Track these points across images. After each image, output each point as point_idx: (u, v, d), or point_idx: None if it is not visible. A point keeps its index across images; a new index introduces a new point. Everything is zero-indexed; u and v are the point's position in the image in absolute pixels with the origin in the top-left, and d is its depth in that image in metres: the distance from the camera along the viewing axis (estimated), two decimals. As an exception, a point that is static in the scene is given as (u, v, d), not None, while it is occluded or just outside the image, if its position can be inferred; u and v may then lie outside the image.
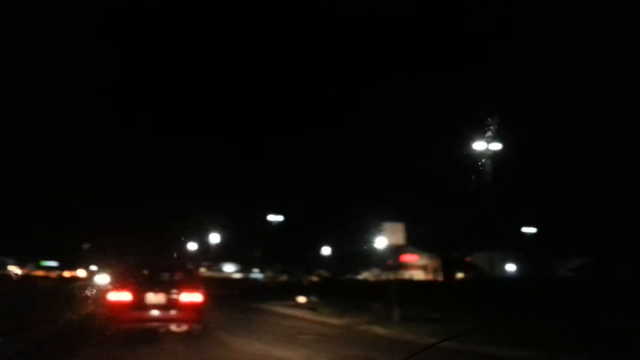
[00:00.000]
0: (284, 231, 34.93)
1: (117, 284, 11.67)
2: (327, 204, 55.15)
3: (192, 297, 10.92)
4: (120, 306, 10.67)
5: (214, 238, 54.30)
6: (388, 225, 17.95)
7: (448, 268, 41.93)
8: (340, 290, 27.99)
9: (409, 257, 49.80)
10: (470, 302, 17.22)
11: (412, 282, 29.43)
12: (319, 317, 19.14)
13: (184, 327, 11.01)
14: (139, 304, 10.68)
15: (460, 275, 43.56)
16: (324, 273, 50.11)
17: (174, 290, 10.93)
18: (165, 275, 11.96)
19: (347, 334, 14.79)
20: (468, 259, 47.07)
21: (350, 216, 48.74)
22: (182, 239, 63.53)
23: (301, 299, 24.27)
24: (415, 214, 47.60)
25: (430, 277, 45.68)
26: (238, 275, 59.34)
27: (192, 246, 64.07)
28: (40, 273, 66.85)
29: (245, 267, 59.92)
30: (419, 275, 45.57)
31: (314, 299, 24.34)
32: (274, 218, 33.75)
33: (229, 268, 64.93)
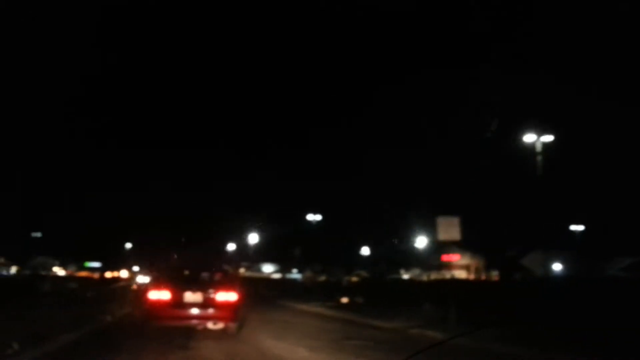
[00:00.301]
0: (322, 231, 34.40)
1: (157, 283, 11.99)
2: (364, 203, 54.59)
3: (227, 296, 11.26)
4: (160, 304, 11.07)
5: (253, 238, 54.23)
6: (442, 220, 15.99)
7: (504, 268, 40.37)
8: (384, 291, 26.50)
9: (451, 257, 48.76)
10: (528, 304, 15.62)
11: (463, 283, 28.11)
12: (365, 319, 17.61)
13: (220, 325, 11.30)
14: (177, 303, 11.06)
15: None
16: (364, 273, 49.42)
17: (211, 290, 11.30)
18: (203, 275, 12.33)
19: (400, 339, 13.26)
20: (511, 257, 45.73)
21: (389, 216, 48.12)
22: (222, 240, 64.13)
23: (344, 300, 23.39)
24: (456, 212, 46.86)
25: (472, 276, 44.53)
26: (277, 276, 59.20)
27: (231, 247, 64.40)
28: (83, 274, 68.26)
29: (283, 267, 59.73)
30: (461, 274, 44.47)
31: (358, 299, 23.28)
32: (313, 218, 33.15)
33: (267, 268, 64.94)
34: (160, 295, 11.22)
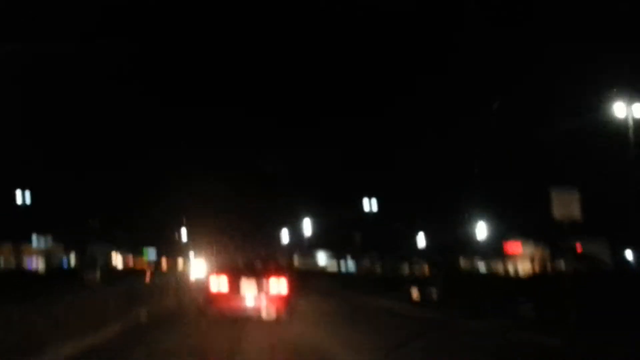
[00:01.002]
0: (378, 218, 33.11)
1: (216, 277, 12.75)
2: (420, 189, 52.96)
3: (280, 289, 12.21)
4: (219, 296, 12.23)
5: (307, 227, 53.68)
6: (559, 194, 13.36)
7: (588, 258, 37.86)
8: (462, 284, 23.02)
9: (513, 246, 46.83)
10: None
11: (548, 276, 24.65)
12: (450, 318, 14.93)
13: (273, 316, 12.12)
14: (235, 295, 12.13)
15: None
16: (427, 263, 47.93)
17: (265, 283, 12.23)
18: (258, 269, 13.32)
19: (505, 346, 10.59)
20: (578, 246, 43.19)
21: (448, 203, 46.44)
22: (276, 228, 63.97)
23: (415, 294, 20.99)
24: (516, 198, 44.85)
25: (537, 268, 42.48)
26: (332, 265, 58.45)
27: (285, 236, 64.18)
28: (141, 262, 69.28)
29: (339, 257, 58.99)
30: (525, 266, 42.54)
31: (433, 293, 20.52)
32: (368, 203, 31.95)
33: (322, 258, 64.31)
34: (219, 287, 12.28)
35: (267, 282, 12.21)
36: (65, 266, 52.42)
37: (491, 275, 36.06)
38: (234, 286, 12.23)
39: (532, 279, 24.27)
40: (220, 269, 13.54)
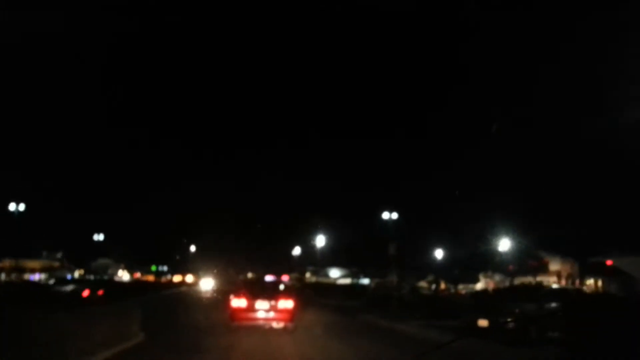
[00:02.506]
0: (398, 231, 31.30)
1: (237, 294, 15.27)
2: (437, 203, 51.10)
3: (286, 304, 14.67)
4: (239, 310, 14.65)
5: (320, 241, 51.72)
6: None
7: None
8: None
9: (539, 262, 44.45)
10: None
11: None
12: None
13: (281, 325, 14.62)
14: (251, 308, 14.58)
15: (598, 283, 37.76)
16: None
17: (274, 299, 14.72)
18: (269, 288, 16.32)
19: None
20: (609, 262, 40.76)
21: (465, 216, 44.27)
22: (288, 242, 62.22)
23: (483, 322, 14.31)
24: (542, 213, 42.73)
25: (563, 283, 40.17)
26: (346, 281, 56.28)
27: (297, 251, 62.32)
28: (151, 278, 67.83)
29: (354, 272, 56.98)
30: (551, 282, 40.23)
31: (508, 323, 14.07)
32: (388, 216, 29.99)
33: (334, 273, 62.20)
34: (240, 303, 14.74)
35: (276, 301, 14.67)
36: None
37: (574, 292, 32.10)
38: (251, 303, 14.67)
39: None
40: (238, 290, 15.79)
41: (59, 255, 52.84)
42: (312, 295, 36.06)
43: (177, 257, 66.72)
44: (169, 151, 75.54)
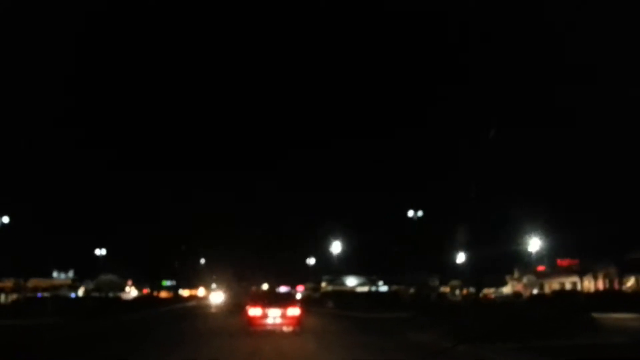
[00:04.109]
0: (421, 232, 28.98)
1: (253, 304, 17.39)
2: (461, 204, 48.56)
3: (294, 311, 16.94)
4: (254, 317, 16.96)
5: (336, 248, 49.39)
6: None
7: None
8: None
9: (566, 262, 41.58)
10: None
11: None
12: None
13: (290, 329, 16.68)
14: (265, 316, 16.89)
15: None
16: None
17: (283, 308, 17.02)
18: (279, 299, 19.29)
19: None
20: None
21: (491, 215, 41.55)
22: (302, 253, 60.30)
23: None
24: (572, 212, 40.14)
25: (600, 284, 37.39)
26: (363, 289, 53.65)
27: (311, 260, 60.15)
28: (162, 293, 65.93)
29: (372, 280, 54.45)
30: (586, 283, 37.54)
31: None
32: (413, 214, 27.71)
33: (351, 281, 59.68)
34: (255, 311, 17.00)
35: (285, 309, 16.90)
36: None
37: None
38: (265, 312, 16.92)
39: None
40: (254, 301, 17.89)
41: (70, 273, 51.38)
42: (333, 307, 33.47)
43: (189, 271, 64.78)
44: (177, 162, 73.91)
